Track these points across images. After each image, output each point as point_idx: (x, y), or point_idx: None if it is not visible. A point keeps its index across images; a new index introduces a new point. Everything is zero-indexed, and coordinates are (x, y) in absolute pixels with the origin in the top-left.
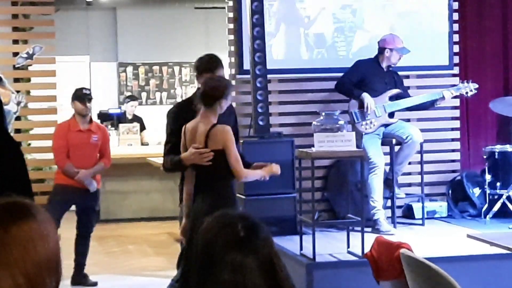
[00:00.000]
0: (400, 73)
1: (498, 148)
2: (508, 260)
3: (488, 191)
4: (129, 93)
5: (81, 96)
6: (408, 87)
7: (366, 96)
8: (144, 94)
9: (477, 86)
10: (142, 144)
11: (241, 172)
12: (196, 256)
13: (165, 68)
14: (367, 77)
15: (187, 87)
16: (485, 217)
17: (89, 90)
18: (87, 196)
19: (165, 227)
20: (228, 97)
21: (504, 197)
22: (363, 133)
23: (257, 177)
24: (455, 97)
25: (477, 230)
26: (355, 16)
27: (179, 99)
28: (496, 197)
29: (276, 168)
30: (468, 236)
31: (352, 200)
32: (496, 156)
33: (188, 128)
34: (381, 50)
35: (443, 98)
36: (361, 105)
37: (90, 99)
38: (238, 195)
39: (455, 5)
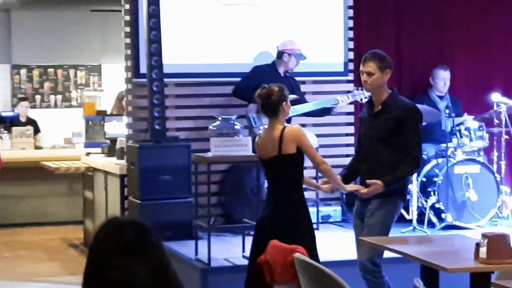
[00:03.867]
0: (296, 78)
1: None
2: (399, 264)
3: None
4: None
5: None
6: (305, 93)
7: None
8: (38, 97)
9: (370, 93)
10: (36, 147)
11: (322, 161)
12: (87, 258)
13: (60, 71)
14: (264, 82)
15: (83, 90)
16: None
17: None
18: None
19: (58, 232)
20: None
21: None
22: None
23: (337, 184)
24: (350, 103)
25: None
26: (254, 21)
27: (74, 103)
28: None
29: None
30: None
31: (248, 205)
32: None
33: None
34: (280, 55)
35: (337, 103)
36: (259, 110)
37: None
38: (132, 199)
39: (350, 12)
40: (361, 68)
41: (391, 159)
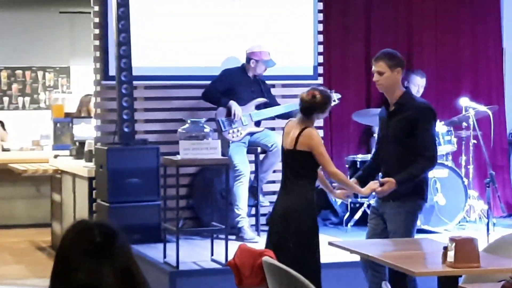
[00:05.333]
0: (266, 82)
1: (359, 157)
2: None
3: (349, 200)
4: None
5: None
6: (274, 96)
7: (233, 103)
8: (6, 99)
9: (340, 96)
10: (3, 149)
11: (333, 171)
12: (54, 260)
13: (29, 72)
14: (234, 85)
15: (51, 92)
16: (346, 225)
17: None
18: None
19: (26, 234)
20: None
21: (365, 205)
22: (230, 142)
23: (355, 191)
24: None
25: (339, 238)
26: (225, 24)
27: (42, 105)
28: (357, 205)
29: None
30: (330, 243)
31: (217, 208)
32: (358, 165)
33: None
34: (248, 60)
35: None
36: (228, 113)
37: None
38: (101, 202)
39: (320, 16)
40: (372, 68)
41: (407, 159)
